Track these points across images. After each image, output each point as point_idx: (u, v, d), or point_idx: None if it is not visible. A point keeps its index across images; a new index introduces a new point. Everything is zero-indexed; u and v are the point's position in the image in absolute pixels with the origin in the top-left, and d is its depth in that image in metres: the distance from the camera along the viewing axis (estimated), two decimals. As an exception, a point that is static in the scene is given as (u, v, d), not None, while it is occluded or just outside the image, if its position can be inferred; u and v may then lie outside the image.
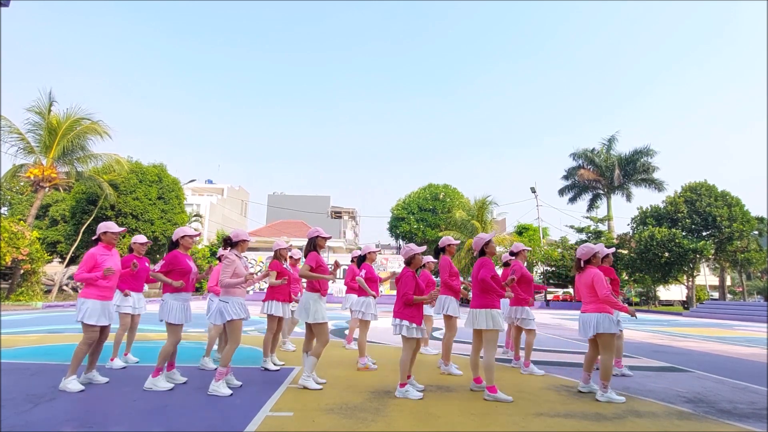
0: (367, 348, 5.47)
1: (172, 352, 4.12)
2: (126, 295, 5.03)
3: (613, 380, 4.83)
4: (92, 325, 3.97)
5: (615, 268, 29.87)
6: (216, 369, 4.03)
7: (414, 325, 4.03)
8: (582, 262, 4.36)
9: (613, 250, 5.22)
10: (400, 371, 4.00)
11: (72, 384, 3.85)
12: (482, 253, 4.44)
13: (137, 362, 5.15)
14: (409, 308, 4.06)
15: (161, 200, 25.94)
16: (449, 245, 5.30)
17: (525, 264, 5.75)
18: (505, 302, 5.74)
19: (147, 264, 5.26)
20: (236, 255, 4.25)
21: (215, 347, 5.65)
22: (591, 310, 4.19)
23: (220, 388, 3.85)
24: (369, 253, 5.87)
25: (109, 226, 4.25)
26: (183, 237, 4.40)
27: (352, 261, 6.93)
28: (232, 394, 3.83)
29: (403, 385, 3.96)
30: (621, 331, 5.30)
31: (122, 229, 4.36)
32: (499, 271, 5.50)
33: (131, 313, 5.10)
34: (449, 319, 5.24)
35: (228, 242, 4.38)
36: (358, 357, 5.34)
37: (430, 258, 6.25)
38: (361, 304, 5.64)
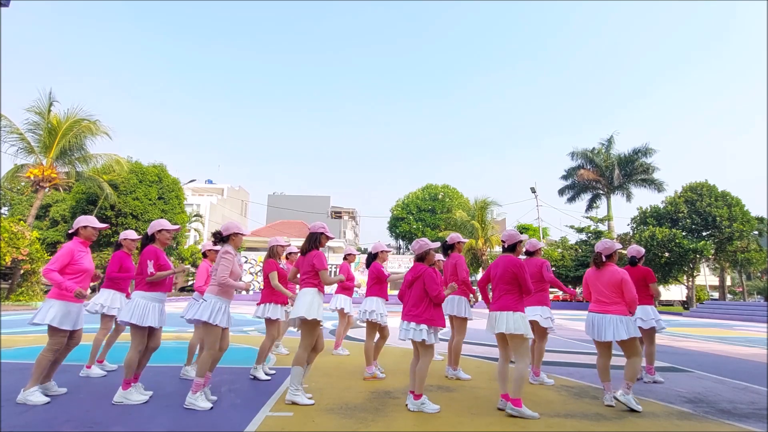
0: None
1: (138, 360, 3.62)
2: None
3: (613, 380, 4.78)
4: (59, 329, 3.57)
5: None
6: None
7: (434, 329, 3.68)
8: (604, 257, 4.10)
9: (643, 251, 5.08)
10: (418, 380, 3.59)
11: (34, 396, 3.42)
12: (511, 249, 3.97)
13: (114, 369, 4.73)
14: (432, 310, 3.70)
15: (161, 200, 25.97)
16: (459, 242, 5.12)
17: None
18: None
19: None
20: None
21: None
22: (613, 312, 3.90)
23: (197, 401, 3.42)
24: (381, 252, 5.34)
25: (91, 220, 3.85)
26: (160, 231, 3.88)
27: (345, 259, 6.64)
28: (212, 408, 3.43)
29: (418, 397, 3.57)
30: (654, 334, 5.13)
31: (104, 225, 3.98)
32: None
33: (116, 315, 4.56)
34: (462, 322, 4.99)
35: (219, 236, 3.83)
36: (366, 366, 4.88)
37: (439, 256, 6.19)
38: (374, 304, 5.11)
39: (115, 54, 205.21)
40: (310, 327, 3.80)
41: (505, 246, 4.00)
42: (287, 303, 5.12)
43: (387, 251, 5.41)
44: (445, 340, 6.67)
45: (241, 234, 3.90)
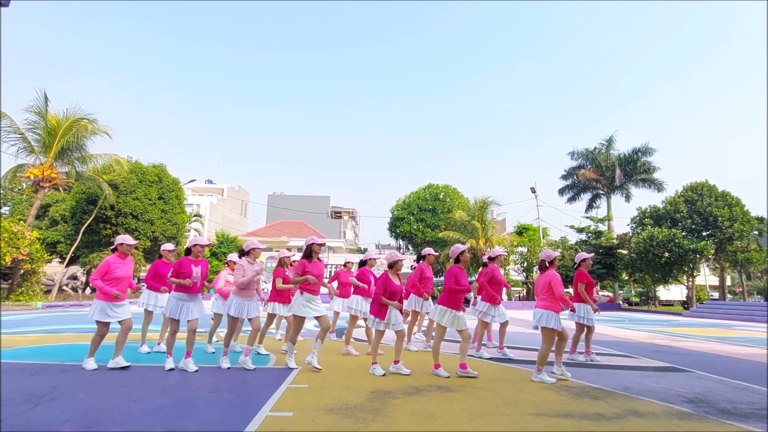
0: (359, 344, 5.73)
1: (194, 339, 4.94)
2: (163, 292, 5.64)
3: (613, 380, 4.88)
4: (101, 321, 4.69)
5: (614, 268, 29.51)
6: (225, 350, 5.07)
7: (377, 319, 4.93)
8: (547, 263, 5.00)
9: (590, 255, 6.14)
10: (395, 352, 5.05)
11: (120, 360, 4.73)
12: (457, 260, 5.05)
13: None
14: (376, 306, 4.93)
15: (161, 200, 25.95)
16: (429, 255, 6.31)
17: (500, 267, 6.74)
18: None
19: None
20: (248, 261, 5.14)
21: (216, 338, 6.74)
22: (541, 306, 4.84)
23: (246, 363, 4.99)
24: (370, 259, 6.45)
25: (125, 239, 4.90)
26: (194, 245, 4.99)
27: (345, 265, 7.24)
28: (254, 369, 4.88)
29: (396, 362, 4.96)
30: (592, 325, 6.21)
31: (136, 242, 5.04)
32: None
33: (152, 311, 5.96)
34: (416, 313, 6.95)
35: (241, 252, 5.23)
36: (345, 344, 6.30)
37: (430, 250, 6.47)
38: (358, 303, 6.31)
39: (115, 54, 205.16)
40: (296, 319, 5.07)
41: (452, 258, 5.09)
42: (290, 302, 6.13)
43: (375, 258, 6.62)
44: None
45: (258, 248, 5.25)
